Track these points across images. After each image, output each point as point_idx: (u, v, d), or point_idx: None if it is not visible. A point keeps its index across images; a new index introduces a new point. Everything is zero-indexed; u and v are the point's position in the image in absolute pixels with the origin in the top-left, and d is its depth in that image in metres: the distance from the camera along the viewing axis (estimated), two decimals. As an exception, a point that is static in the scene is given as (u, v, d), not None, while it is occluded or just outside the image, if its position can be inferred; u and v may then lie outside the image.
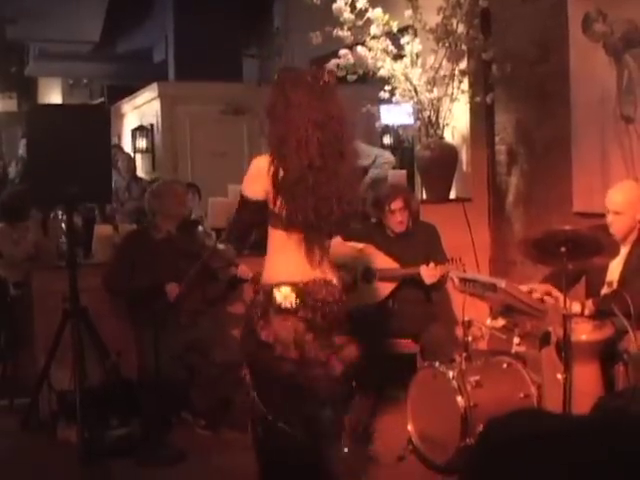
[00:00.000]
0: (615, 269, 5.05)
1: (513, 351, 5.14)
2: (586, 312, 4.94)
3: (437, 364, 5.05)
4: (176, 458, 5.24)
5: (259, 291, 3.78)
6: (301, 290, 3.72)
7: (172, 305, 5.72)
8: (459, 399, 4.76)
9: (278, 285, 3.71)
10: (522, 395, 4.88)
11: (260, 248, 3.97)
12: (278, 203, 3.70)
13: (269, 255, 3.82)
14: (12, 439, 5.82)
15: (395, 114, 8.07)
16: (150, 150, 12.02)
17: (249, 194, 3.78)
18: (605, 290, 5.06)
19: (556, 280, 4.95)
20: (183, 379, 5.65)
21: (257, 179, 3.74)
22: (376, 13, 6.87)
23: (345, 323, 3.85)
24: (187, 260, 5.86)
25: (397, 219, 6.06)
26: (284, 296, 3.70)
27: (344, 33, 6.90)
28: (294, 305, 3.70)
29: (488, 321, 5.30)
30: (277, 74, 3.86)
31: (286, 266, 3.76)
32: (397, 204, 6.04)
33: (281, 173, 3.68)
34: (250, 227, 3.93)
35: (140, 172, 11.10)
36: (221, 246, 6.08)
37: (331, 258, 3.94)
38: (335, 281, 3.84)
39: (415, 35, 7.10)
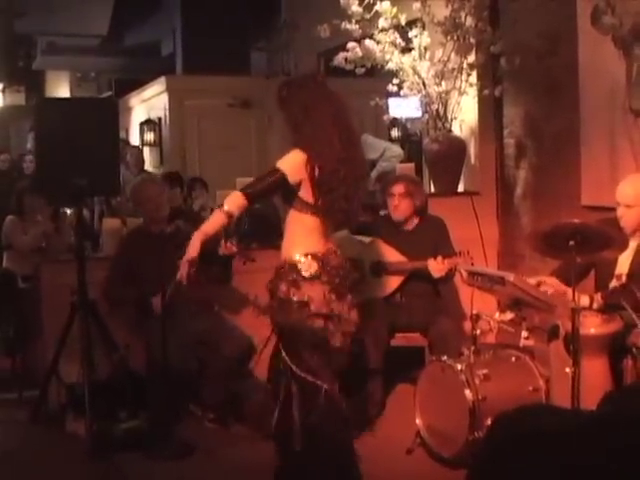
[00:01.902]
0: (624, 262, 5.04)
1: (521, 345, 5.14)
2: (595, 306, 4.93)
3: (445, 358, 5.05)
4: (184, 451, 5.24)
5: (284, 265, 4.22)
6: (320, 259, 4.22)
7: (176, 299, 5.65)
8: (467, 392, 4.76)
9: (301, 257, 4.20)
10: (530, 389, 4.88)
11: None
12: (314, 195, 4.18)
13: (291, 234, 4.29)
14: (21, 432, 5.84)
15: (403, 107, 8.06)
16: (158, 144, 12.01)
17: (287, 172, 4.14)
18: (614, 283, 5.05)
19: (565, 274, 4.94)
20: (191, 372, 5.65)
21: (297, 167, 4.14)
22: (384, 6, 6.86)
23: (351, 288, 4.37)
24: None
25: (394, 203, 6.05)
26: (308, 265, 4.19)
27: (352, 26, 6.89)
28: (317, 272, 4.19)
29: (496, 315, 5.30)
30: (284, 88, 4.31)
31: (305, 241, 4.25)
32: (397, 189, 6.03)
33: (316, 170, 4.13)
34: (265, 193, 4.30)
35: (148, 166, 11.09)
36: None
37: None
38: (339, 252, 4.38)
39: (423, 28, 7.09)
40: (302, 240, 4.25)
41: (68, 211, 8.04)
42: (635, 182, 5.17)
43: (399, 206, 6.06)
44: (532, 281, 5.09)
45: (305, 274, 4.18)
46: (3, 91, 17.42)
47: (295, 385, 4.22)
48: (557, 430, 1.15)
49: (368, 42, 6.92)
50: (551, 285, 5.09)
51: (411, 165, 7.67)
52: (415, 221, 6.16)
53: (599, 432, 1.11)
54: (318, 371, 4.21)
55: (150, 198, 5.98)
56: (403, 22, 6.98)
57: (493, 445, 1.21)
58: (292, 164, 4.17)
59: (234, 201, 4.16)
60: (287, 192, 4.27)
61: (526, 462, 1.13)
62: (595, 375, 4.64)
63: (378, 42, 6.92)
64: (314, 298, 4.18)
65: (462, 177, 7.40)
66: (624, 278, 4.98)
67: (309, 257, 4.20)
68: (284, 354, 4.23)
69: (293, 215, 4.29)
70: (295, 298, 4.17)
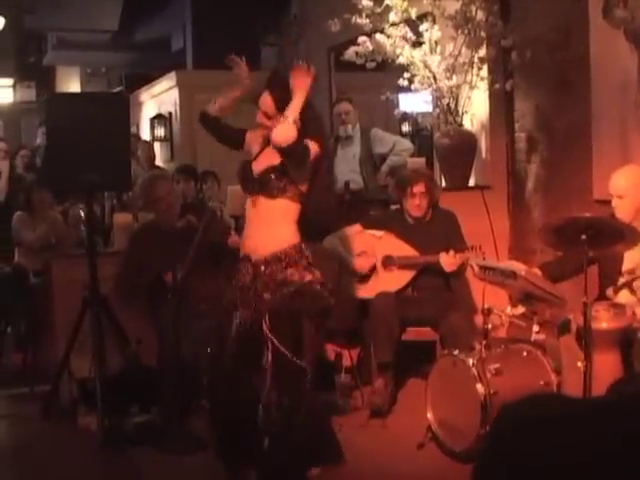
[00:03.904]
0: (634, 255, 5.01)
1: (532, 339, 5.13)
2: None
3: (457, 352, 5.04)
4: (196, 446, 5.24)
5: (291, 251, 4.47)
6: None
7: (188, 295, 5.64)
8: (479, 387, 4.75)
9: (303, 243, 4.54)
10: (542, 383, 4.87)
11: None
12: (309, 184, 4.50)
13: (286, 222, 4.50)
14: (33, 427, 5.86)
15: (414, 102, 8.05)
16: (169, 138, 12.02)
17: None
18: (626, 278, 5.04)
19: (554, 268, 5.11)
20: (203, 367, 5.64)
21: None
22: (395, 0, 6.85)
23: None
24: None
25: (415, 202, 6.06)
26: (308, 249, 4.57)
27: (362, 20, 6.88)
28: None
29: (508, 309, 5.28)
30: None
31: (297, 229, 4.55)
32: (419, 188, 6.04)
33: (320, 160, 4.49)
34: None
35: (159, 161, 11.10)
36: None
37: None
38: None
39: (434, 22, 7.06)
40: (295, 228, 4.51)
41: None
42: (626, 173, 5.24)
43: (421, 205, 6.07)
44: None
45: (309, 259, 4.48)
46: (14, 87, 17.43)
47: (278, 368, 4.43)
48: (562, 416, 1.16)
49: (378, 36, 6.90)
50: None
51: (422, 160, 7.66)
52: (428, 215, 6.16)
53: (605, 417, 1.11)
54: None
55: (162, 197, 5.99)
56: (414, 16, 6.96)
57: (498, 434, 1.21)
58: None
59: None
60: (281, 180, 4.48)
61: (531, 449, 1.13)
62: (607, 369, 4.62)
63: (389, 36, 6.90)
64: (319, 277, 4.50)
65: (473, 171, 7.37)
66: (638, 271, 4.97)
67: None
68: (276, 339, 4.41)
69: (283, 204, 4.49)
70: (309, 279, 4.45)
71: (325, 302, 4.51)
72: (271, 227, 4.47)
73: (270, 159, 4.54)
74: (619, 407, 1.16)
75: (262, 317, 4.47)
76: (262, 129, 4.70)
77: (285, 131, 4.33)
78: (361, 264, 6.14)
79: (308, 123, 4.45)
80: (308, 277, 4.46)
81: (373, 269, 6.15)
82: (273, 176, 4.48)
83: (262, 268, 4.46)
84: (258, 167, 4.62)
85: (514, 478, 1.25)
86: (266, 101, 4.62)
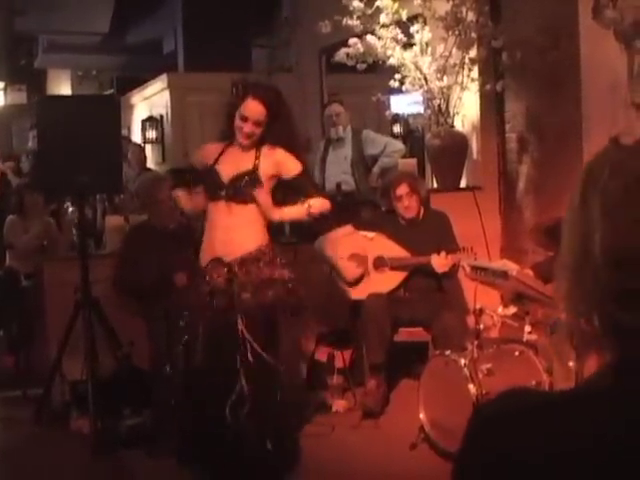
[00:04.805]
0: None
1: (524, 339, 5.14)
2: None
3: (449, 352, 5.05)
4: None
5: (266, 249, 4.65)
6: None
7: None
8: (471, 387, 4.76)
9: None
10: (534, 383, 4.87)
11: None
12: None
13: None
14: (25, 430, 5.85)
15: (405, 103, 8.06)
16: (160, 141, 12.02)
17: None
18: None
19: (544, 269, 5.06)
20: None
21: None
22: (385, 1, 6.85)
23: None
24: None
25: (404, 204, 6.07)
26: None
27: (353, 22, 6.88)
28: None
29: (499, 309, 5.29)
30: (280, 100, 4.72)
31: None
32: (402, 189, 6.05)
33: None
34: None
35: (150, 163, 11.10)
36: None
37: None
38: None
39: (425, 23, 7.07)
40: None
41: (70, 208, 8.07)
42: None
43: (410, 205, 6.08)
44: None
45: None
46: (4, 90, 17.40)
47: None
48: (534, 408, 1.18)
49: (369, 38, 6.91)
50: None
51: (413, 161, 7.67)
52: (421, 214, 6.17)
53: (573, 407, 1.14)
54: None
55: (164, 199, 5.99)
56: (404, 17, 6.97)
57: (472, 433, 1.22)
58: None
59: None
60: (253, 186, 4.59)
61: (507, 443, 1.15)
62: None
63: (379, 38, 6.91)
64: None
65: (464, 172, 7.39)
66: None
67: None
68: (248, 335, 4.43)
69: (255, 211, 4.59)
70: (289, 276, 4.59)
71: (301, 298, 4.60)
72: (244, 229, 4.51)
73: (239, 163, 4.55)
74: (590, 397, 1.17)
75: (237, 318, 4.45)
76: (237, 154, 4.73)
77: (323, 207, 4.73)
78: (350, 273, 6.14)
79: (281, 134, 4.52)
80: (287, 274, 4.57)
81: (362, 276, 6.15)
82: (246, 180, 4.49)
83: (236, 269, 4.47)
84: (227, 172, 4.59)
85: (490, 475, 1.26)
86: (256, 109, 4.53)
